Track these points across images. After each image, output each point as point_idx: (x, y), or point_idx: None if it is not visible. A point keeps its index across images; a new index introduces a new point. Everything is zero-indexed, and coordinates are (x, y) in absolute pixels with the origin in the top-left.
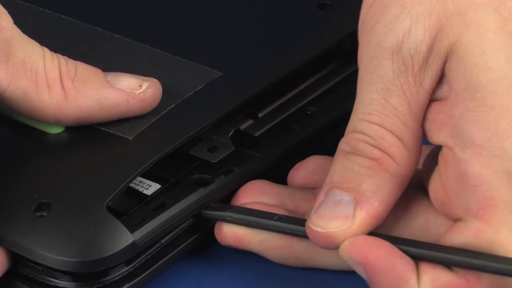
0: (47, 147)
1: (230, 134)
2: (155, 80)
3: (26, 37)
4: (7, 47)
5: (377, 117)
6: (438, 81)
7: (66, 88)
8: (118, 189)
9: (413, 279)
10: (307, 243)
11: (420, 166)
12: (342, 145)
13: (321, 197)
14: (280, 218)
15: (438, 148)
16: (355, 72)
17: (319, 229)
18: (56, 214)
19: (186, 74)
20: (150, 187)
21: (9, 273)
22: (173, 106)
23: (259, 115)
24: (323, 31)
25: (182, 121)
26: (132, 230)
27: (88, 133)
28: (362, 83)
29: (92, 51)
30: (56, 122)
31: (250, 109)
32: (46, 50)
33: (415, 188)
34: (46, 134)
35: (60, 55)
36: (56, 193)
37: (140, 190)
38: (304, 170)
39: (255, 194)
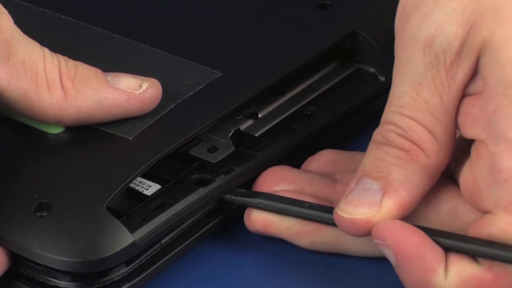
0: (47, 147)
1: (230, 134)
2: (155, 80)
3: (26, 37)
4: (7, 47)
5: (408, 110)
6: (472, 76)
7: (66, 88)
8: (118, 189)
9: (441, 270)
10: (334, 228)
11: None
12: (375, 135)
13: (351, 185)
14: (311, 205)
15: (465, 139)
16: (355, 72)
17: (345, 215)
18: (56, 214)
19: (186, 74)
20: (150, 188)
21: (9, 272)
22: (173, 106)
23: (259, 115)
24: (323, 31)
25: (182, 121)
26: (132, 230)
27: (88, 133)
28: (396, 75)
29: (92, 51)
30: (56, 122)
31: (250, 109)
32: (46, 50)
33: (443, 176)
34: (46, 134)
35: (60, 55)
36: (56, 193)
37: (140, 190)
38: (316, 162)
39: (275, 180)
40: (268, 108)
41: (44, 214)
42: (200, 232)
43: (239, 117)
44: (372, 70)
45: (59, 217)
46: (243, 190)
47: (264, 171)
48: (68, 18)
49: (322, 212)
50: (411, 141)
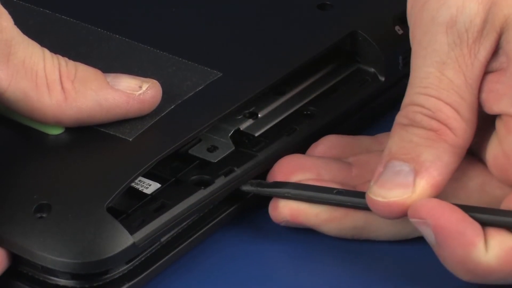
0: (47, 148)
1: (230, 134)
2: (155, 81)
3: (26, 38)
4: (7, 48)
5: (434, 90)
6: (493, 53)
7: (66, 89)
8: (118, 191)
9: (481, 244)
10: (364, 212)
11: None
12: (400, 118)
13: (380, 168)
14: (340, 191)
15: (485, 115)
16: (355, 72)
17: (380, 199)
18: (56, 215)
19: (186, 75)
20: (150, 186)
21: (8, 271)
22: (173, 107)
23: (259, 115)
24: (323, 31)
25: (182, 122)
26: (132, 232)
27: (88, 134)
28: (417, 58)
29: (92, 52)
30: (56, 123)
31: (250, 108)
32: (46, 51)
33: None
34: (46, 135)
35: (60, 56)
36: (56, 194)
37: (140, 189)
38: (322, 146)
39: (291, 169)
40: (268, 108)
41: (44, 215)
42: (201, 230)
43: (239, 117)
44: (372, 70)
45: (59, 218)
46: (267, 182)
47: (278, 161)
48: (68, 18)
49: (352, 197)
50: (439, 120)
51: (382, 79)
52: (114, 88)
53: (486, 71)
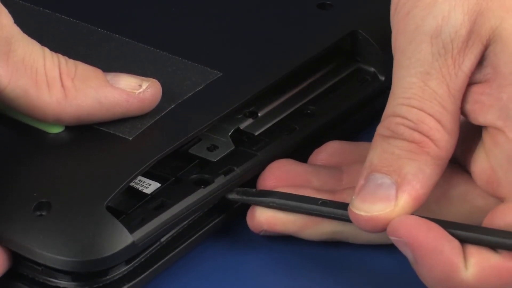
0: (47, 146)
1: (230, 133)
2: (154, 80)
3: (26, 36)
4: (7, 45)
5: (417, 101)
6: (477, 64)
7: (66, 86)
8: (118, 189)
9: (460, 262)
10: None
11: None
12: (381, 129)
13: (361, 181)
14: (324, 202)
15: (469, 125)
16: (355, 71)
17: (362, 213)
18: (56, 214)
19: (186, 74)
20: (149, 186)
21: (9, 273)
22: (173, 106)
23: (259, 114)
24: (323, 31)
25: (182, 122)
26: (131, 230)
27: (88, 133)
28: (400, 68)
29: (92, 51)
30: (56, 121)
31: (250, 108)
32: (46, 49)
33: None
34: (46, 133)
35: (60, 55)
36: (56, 192)
37: (139, 189)
38: (324, 153)
39: (281, 174)
40: (268, 107)
41: (44, 213)
42: (201, 231)
43: (239, 116)
44: (372, 69)
45: (59, 217)
46: (254, 190)
47: (268, 165)
48: (68, 18)
49: (336, 209)
50: (421, 132)
51: (382, 78)
52: (114, 86)
53: (470, 82)
